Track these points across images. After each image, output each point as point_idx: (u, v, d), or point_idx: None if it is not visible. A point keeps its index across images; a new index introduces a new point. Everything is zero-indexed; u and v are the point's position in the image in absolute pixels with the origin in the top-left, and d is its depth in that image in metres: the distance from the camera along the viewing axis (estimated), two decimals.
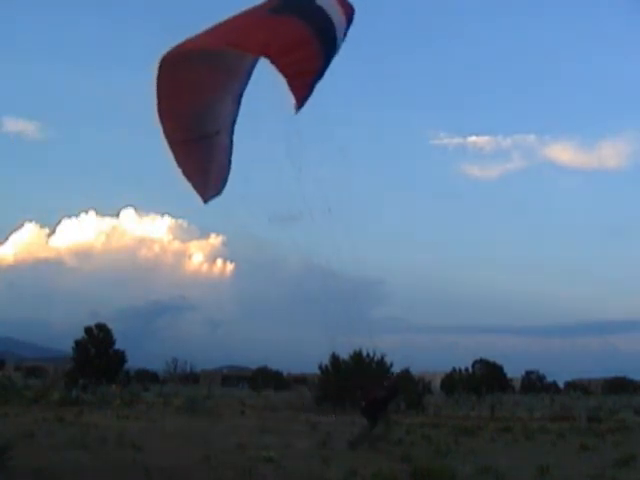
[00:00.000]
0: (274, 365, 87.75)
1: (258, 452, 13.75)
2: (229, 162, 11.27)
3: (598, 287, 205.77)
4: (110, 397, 33.72)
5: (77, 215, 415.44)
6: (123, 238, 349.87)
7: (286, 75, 8.22)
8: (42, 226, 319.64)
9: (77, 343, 53.32)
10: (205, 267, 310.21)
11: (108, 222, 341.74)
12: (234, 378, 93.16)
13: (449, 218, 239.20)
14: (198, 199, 11.19)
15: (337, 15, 9.05)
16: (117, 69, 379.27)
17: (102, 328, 54.05)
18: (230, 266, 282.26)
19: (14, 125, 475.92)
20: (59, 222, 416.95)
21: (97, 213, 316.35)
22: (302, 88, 8.29)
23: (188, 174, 10.72)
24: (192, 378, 62.02)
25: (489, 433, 22.18)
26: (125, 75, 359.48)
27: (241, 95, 10.75)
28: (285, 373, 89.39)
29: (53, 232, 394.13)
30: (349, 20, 9.26)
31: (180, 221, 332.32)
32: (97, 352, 52.38)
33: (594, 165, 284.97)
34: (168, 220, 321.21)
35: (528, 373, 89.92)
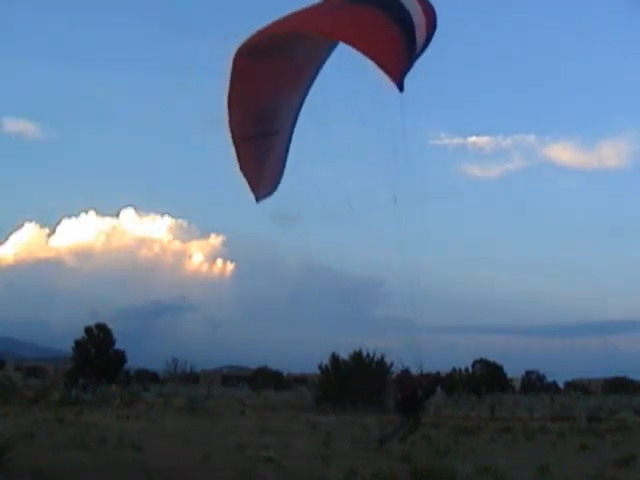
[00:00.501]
0: (274, 365, 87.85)
1: (258, 452, 13.73)
2: (284, 163, 11.25)
3: (598, 287, 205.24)
4: (110, 397, 33.66)
5: (77, 215, 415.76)
6: (123, 238, 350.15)
7: (373, 58, 8.47)
8: (42, 226, 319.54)
9: (77, 343, 53.43)
10: (205, 267, 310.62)
11: (108, 222, 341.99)
12: (234, 378, 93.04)
13: (449, 218, 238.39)
14: (249, 197, 11.15)
15: (413, 6, 9.16)
16: (117, 69, 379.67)
17: (102, 328, 54.15)
18: (230, 266, 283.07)
19: (14, 125, 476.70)
20: (59, 222, 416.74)
21: (97, 213, 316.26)
22: (393, 69, 8.53)
23: (244, 171, 10.72)
24: (192, 378, 61.91)
25: (489, 433, 22.15)
26: (125, 75, 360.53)
27: (308, 90, 10.78)
28: (285, 373, 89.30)
29: (53, 232, 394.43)
30: (429, 14, 9.31)
31: (180, 221, 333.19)
32: (97, 352, 52.46)
33: (594, 165, 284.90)
34: (168, 220, 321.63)
35: (528, 373, 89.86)
